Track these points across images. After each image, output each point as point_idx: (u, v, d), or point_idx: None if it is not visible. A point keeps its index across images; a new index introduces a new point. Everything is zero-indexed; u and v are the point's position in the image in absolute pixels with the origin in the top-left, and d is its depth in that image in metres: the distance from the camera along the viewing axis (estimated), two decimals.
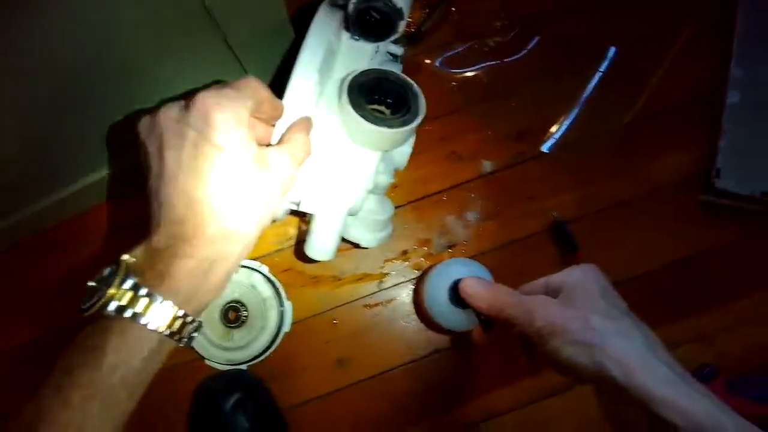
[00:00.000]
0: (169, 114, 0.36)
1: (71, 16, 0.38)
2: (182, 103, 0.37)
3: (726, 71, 0.66)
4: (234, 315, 0.63)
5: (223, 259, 0.36)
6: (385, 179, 0.52)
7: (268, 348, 0.62)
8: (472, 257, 0.65)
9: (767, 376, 0.62)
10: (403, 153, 0.53)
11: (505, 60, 0.69)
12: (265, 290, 0.63)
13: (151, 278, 0.34)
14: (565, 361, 0.38)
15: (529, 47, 0.69)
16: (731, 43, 0.66)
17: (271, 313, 0.63)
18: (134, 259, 0.35)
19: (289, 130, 0.42)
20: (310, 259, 0.50)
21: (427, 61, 0.69)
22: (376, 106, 0.49)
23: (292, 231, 0.66)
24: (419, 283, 0.63)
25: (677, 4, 0.70)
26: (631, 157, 0.67)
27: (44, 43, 0.39)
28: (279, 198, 0.39)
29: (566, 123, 0.67)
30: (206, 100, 0.35)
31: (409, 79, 0.49)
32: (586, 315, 0.39)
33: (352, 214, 0.50)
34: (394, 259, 0.66)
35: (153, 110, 0.38)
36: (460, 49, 0.69)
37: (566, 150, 0.67)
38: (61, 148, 0.54)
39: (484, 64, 0.69)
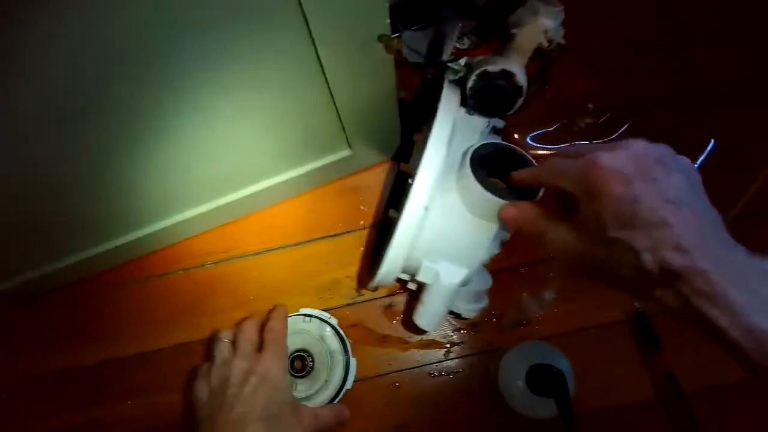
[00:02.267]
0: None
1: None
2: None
3: None
4: (300, 364, 0.62)
5: None
6: (496, 251, 0.52)
7: (330, 402, 0.61)
8: (545, 338, 0.63)
9: None
10: None
11: (594, 142, 0.69)
12: (333, 343, 0.63)
13: None
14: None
15: (619, 132, 0.69)
16: None
17: (337, 368, 0.62)
18: None
19: None
20: (418, 328, 0.51)
21: (516, 136, 0.69)
22: (494, 179, 0.50)
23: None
24: (494, 362, 0.62)
25: None
26: None
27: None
28: None
29: None
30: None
31: (527, 153, 0.50)
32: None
33: (464, 285, 0.50)
34: (462, 329, 0.65)
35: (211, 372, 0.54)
36: (550, 128, 0.69)
37: None
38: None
39: (572, 144, 0.69)
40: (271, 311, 0.62)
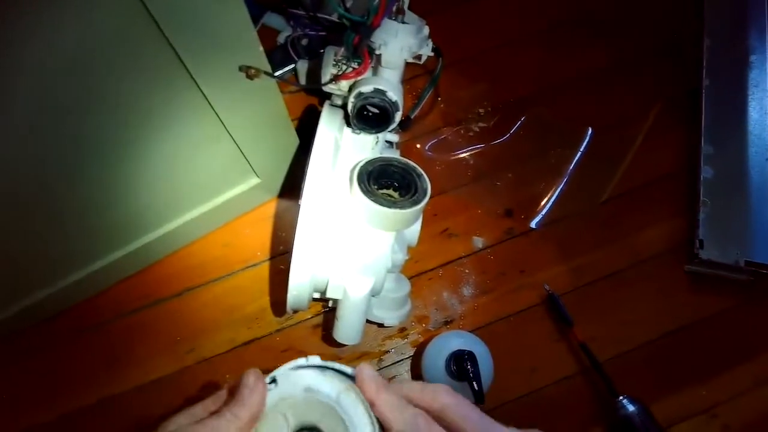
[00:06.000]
0: None
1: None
2: None
3: (698, 147, 0.70)
4: None
5: None
6: (401, 257, 0.54)
7: None
8: (471, 332, 0.66)
9: None
10: (414, 230, 0.56)
11: (490, 143, 0.74)
12: (360, 418, 0.34)
13: None
14: None
15: (512, 131, 0.74)
16: (700, 121, 0.71)
17: None
18: None
19: None
20: (339, 343, 0.52)
21: (418, 146, 0.73)
22: (385, 191, 0.53)
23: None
24: (417, 356, 0.64)
25: (646, 87, 0.76)
26: (615, 231, 0.70)
27: None
28: None
29: (551, 200, 0.70)
30: None
31: (411, 162, 0.53)
32: None
33: (374, 294, 0.52)
34: (392, 336, 0.66)
35: None
36: (447, 135, 0.74)
37: (554, 225, 0.70)
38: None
39: (470, 148, 0.73)
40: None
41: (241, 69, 0.43)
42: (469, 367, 0.51)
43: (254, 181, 0.65)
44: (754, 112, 0.71)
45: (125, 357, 0.65)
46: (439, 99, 0.76)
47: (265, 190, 0.68)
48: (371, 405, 0.33)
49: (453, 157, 0.73)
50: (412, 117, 0.73)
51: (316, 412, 0.34)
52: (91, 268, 0.62)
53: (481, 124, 0.75)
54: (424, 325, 0.67)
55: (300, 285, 0.50)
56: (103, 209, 0.55)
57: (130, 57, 0.40)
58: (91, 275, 0.62)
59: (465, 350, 0.53)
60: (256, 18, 0.76)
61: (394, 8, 0.52)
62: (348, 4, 0.54)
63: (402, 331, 0.67)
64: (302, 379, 0.34)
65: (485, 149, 0.73)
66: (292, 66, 0.74)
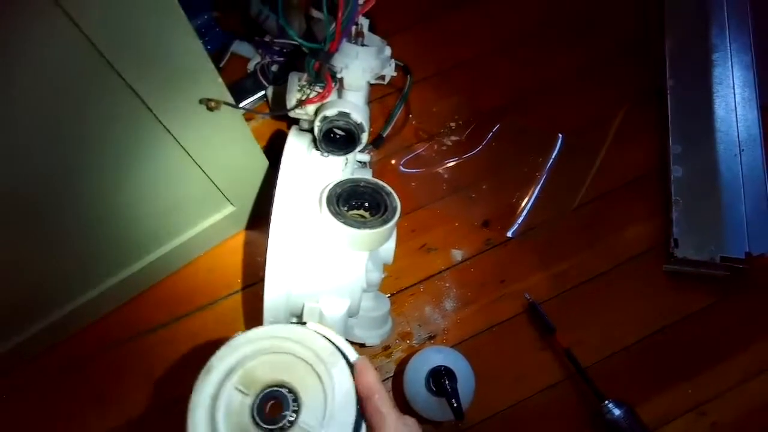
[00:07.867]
0: None
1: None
2: None
3: (666, 147, 0.71)
4: (275, 409, 0.34)
5: None
6: (377, 276, 0.54)
7: None
8: (454, 345, 0.66)
9: None
10: (388, 248, 0.56)
11: (463, 156, 0.74)
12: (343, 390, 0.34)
13: None
14: None
15: (484, 143, 0.75)
16: (667, 121, 0.72)
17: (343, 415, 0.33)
18: None
19: None
20: None
21: (393, 163, 0.74)
22: (355, 212, 0.53)
23: None
24: (399, 374, 0.64)
25: (613, 90, 0.77)
26: (592, 235, 0.71)
27: None
28: None
29: (527, 208, 0.71)
30: None
31: (380, 181, 0.53)
32: None
33: (351, 315, 0.52)
34: (377, 355, 0.66)
35: None
36: (420, 151, 0.74)
37: (531, 233, 0.70)
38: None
39: (444, 162, 0.74)
40: None
41: (201, 102, 0.44)
42: (446, 383, 0.51)
43: (229, 209, 0.65)
44: (719, 110, 0.72)
45: (114, 392, 0.64)
46: (411, 116, 0.76)
47: (241, 217, 0.68)
48: (367, 397, 0.33)
49: (428, 172, 0.74)
50: (384, 135, 0.73)
51: (286, 370, 0.34)
52: (81, 300, 0.62)
53: (453, 138, 0.75)
54: (407, 341, 0.67)
55: (275, 310, 0.50)
56: (84, 241, 0.55)
57: (86, 94, 0.40)
58: (80, 308, 0.62)
59: (443, 366, 0.53)
60: (225, 47, 0.77)
61: (353, 31, 0.53)
62: (313, 28, 0.55)
63: (386, 349, 0.66)
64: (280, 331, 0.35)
65: (459, 162, 0.74)
66: (262, 93, 0.74)
